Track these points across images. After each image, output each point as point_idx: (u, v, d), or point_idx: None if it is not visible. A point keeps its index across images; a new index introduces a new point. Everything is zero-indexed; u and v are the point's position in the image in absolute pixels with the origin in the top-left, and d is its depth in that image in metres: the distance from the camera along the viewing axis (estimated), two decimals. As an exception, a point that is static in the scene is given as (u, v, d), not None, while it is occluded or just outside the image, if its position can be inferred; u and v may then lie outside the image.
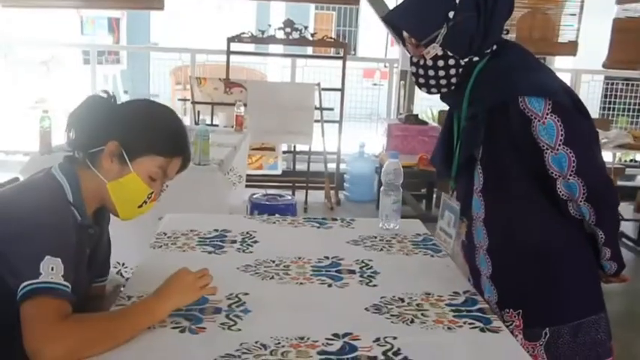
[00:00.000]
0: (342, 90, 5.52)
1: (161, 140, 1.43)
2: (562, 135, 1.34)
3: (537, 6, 6.24)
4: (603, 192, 1.40)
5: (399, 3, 1.52)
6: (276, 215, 3.02)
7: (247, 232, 1.94)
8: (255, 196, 3.87)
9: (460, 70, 1.44)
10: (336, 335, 1.29)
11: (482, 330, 1.35)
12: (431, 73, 1.45)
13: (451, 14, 1.39)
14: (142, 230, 2.83)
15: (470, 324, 1.37)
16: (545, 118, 1.34)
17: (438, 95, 1.55)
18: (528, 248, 1.45)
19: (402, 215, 2.04)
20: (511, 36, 5.89)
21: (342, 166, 5.69)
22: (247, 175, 4.40)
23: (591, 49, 6.35)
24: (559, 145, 1.34)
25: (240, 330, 1.30)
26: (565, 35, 6.28)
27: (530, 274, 1.46)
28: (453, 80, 1.45)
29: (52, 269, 1.20)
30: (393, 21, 1.50)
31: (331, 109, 5.36)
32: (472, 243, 1.53)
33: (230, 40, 5.28)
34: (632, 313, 3.59)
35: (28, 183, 1.44)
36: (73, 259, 1.29)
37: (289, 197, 4.04)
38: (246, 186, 4.36)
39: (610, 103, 8.44)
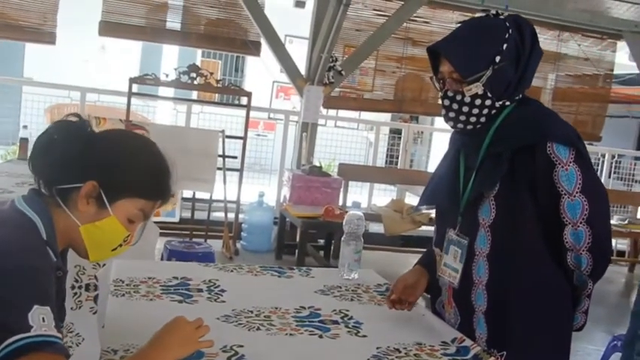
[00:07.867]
0: (244, 138, 5.50)
1: (145, 182, 1.30)
2: (580, 183, 1.44)
3: (418, 72, 6.69)
4: (605, 243, 1.50)
5: (447, 35, 1.56)
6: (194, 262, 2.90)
7: (210, 281, 1.85)
8: (172, 243, 3.69)
9: (493, 111, 1.51)
10: (353, 388, 1.25)
11: (486, 379, 1.38)
12: (465, 109, 1.51)
13: (497, 58, 1.48)
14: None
15: (472, 373, 1.40)
16: (568, 165, 1.44)
17: (454, 130, 1.60)
18: (524, 288, 1.51)
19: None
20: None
21: (240, 215, 5.60)
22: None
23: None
24: (577, 192, 1.44)
25: (253, 385, 1.22)
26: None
27: (521, 314, 1.51)
28: (482, 120, 1.52)
29: (44, 320, 1.06)
30: (445, 53, 1.52)
31: (235, 157, 5.29)
32: (469, 279, 1.56)
33: (132, 80, 5.10)
34: None
35: None
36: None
37: (207, 245, 3.90)
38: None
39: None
